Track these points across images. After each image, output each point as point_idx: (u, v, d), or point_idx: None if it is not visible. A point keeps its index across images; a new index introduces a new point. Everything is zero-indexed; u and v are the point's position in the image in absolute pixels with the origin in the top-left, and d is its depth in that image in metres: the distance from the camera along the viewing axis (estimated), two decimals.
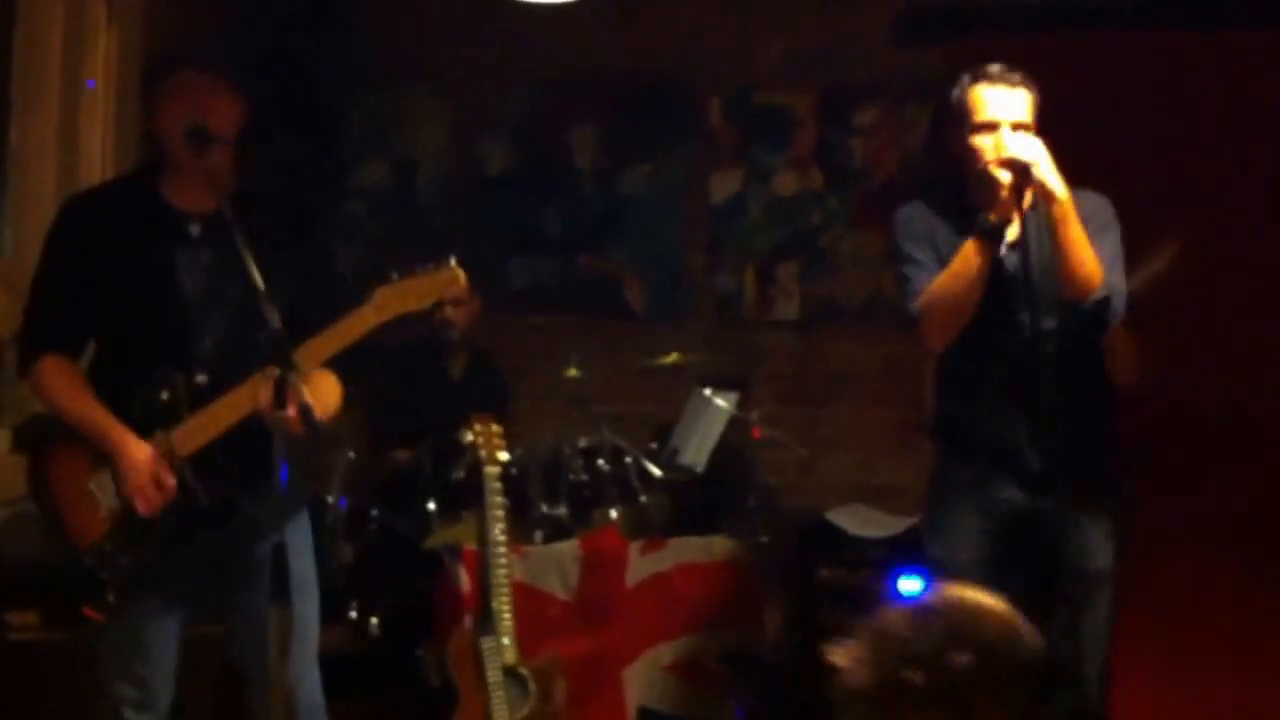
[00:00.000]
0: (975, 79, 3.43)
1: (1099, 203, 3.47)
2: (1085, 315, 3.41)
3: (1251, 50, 5.50)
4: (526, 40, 6.00)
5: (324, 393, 3.08)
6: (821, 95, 6.08)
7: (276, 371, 2.87)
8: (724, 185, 6.15)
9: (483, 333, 5.47)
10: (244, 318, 2.98)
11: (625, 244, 6.17)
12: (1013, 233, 3.38)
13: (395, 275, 3.05)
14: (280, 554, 2.86)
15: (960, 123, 3.42)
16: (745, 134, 6.13)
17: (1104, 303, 3.39)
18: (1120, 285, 3.45)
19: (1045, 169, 3.28)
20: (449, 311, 5.12)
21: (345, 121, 6.23)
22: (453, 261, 3.09)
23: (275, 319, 2.84)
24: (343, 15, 6.08)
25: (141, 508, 3.00)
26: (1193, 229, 5.25)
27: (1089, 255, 3.33)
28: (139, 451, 2.99)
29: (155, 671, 3.13)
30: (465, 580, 4.33)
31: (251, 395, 2.95)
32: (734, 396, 4.92)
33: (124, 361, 3.08)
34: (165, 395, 3.03)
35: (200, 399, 3.03)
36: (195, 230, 3.12)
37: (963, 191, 3.47)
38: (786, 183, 6.11)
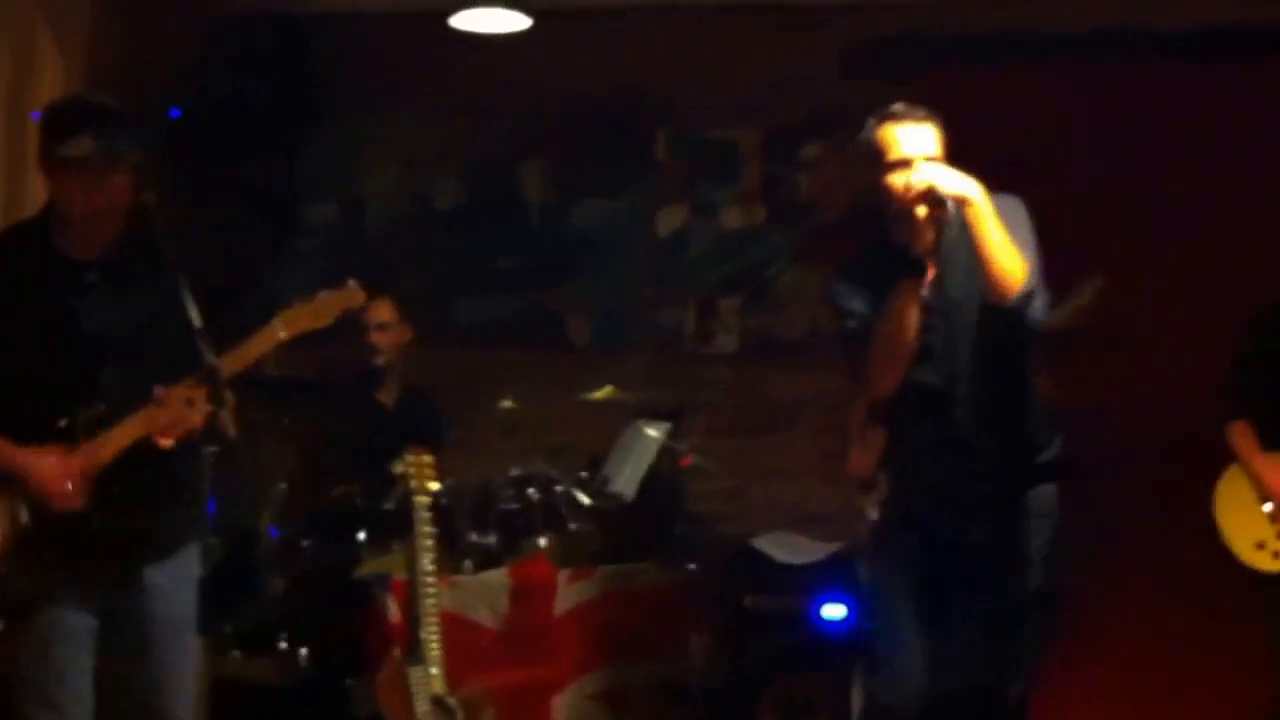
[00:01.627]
0: (882, 119, 3.49)
1: (1013, 204, 3.51)
2: (1006, 332, 3.44)
3: (1189, 82, 5.59)
4: (475, 75, 6.06)
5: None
6: (768, 130, 6.13)
7: (180, 393, 2.94)
8: (670, 220, 6.19)
9: (428, 365, 5.51)
10: (142, 355, 3.07)
11: (574, 278, 6.22)
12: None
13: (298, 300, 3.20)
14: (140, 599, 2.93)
15: (874, 164, 3.48)
16: (692, 169, 6.18)
17: (1028, 298, 3.42)
18: (1036, 284, 3.49)
19: (951, 182, 3.33)
20: (373, 336, 5.16)
21: (294, 157, 6.29)
22: (351, 282, 3.22)
23: (210, 354, 2.94)
24: (291, 50, 6.15)
25: (63, 505, 3.03)
26: (1131, 255, 5.36)
27: (1011, 252, 3.37)
28: (45, 458, 3.04)
29: (72, 699, 3.16)
30: (394, 611, 4.36)
31: (148, 419, 3.01)
32: (666, 426, 4.95)
33: (23, 402, 3.12)
34: (63, 423, 3.08)
35: (97, 427, 3.08)
36: (88, 275, 3.16)
37: (887, 234, 3.53)
38: (732, 218, 6.16)
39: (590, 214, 6.23)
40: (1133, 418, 5.43)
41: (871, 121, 3.50)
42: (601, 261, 6.20)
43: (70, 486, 3.04)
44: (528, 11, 5.01)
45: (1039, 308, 3.47)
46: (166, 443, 3.03)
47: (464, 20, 5.08)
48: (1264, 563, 4.45)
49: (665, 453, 4.89)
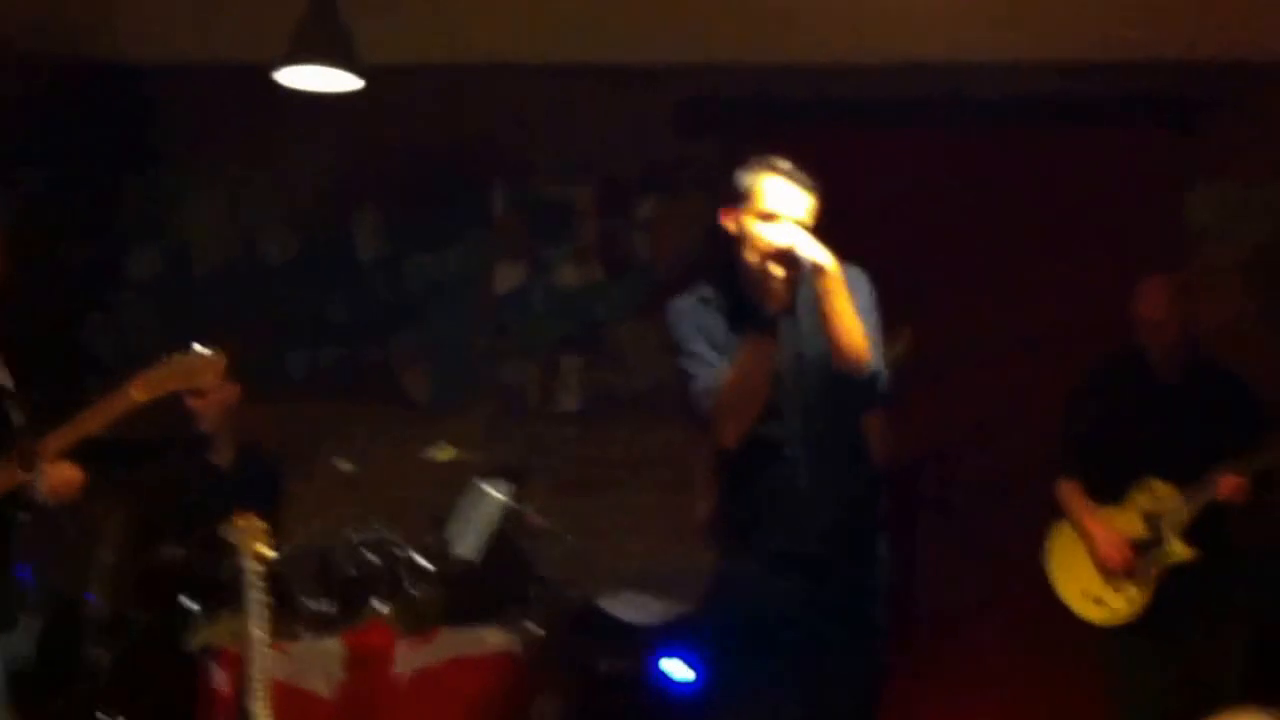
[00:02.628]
0: (766, 168, 3.49)
1: (857, 274, 3.53)
2: (851, 396, 3.47)
3: (1016, 148, 5.77)
4: (305, 126, 5.95)
5: (59, 483, 3.00)
6: (606, 186, 6.14)
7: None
8: (508, 276, 6.15)
9: (257, 422, 5.35)
10: None
11: (409, 333, 6.12)
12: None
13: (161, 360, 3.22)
14: None
15: (739, 205, 3.48)
16: (528, 225, 6.15)
17: (876, 375, 3.46)
18: (881, 362, 3.53)
19: (808, 248, 3.35)
20: (192, 402, 4.99)
21: (116, 207, 6.09)
22: (208, 350, 3.13)
23: (20, 416, 2.81)
24: (117, 98, 5.97)
25: None
26: (953, 314, 5.49)
27: (857, 326, 3.40)
28: None
29: None
30: (224, 681, 4.21)
31: None
32: (509, 487, 4.89)
33: None
34: None
35: None
36: None
37: (734, 281, 3.52)
38: (569, 274, 6.14)
39: (426, 269, 6.15)
40: (967, 468, 5.56)
41: (754, 163, 3.50)
42: (439, 317, 6.12)
43: None
44: (357, 71, 4.92)
45: (883, 384, 3.51)
46: None
47: (289, 78, 4.95)
48: (1094, 614, 4.57)
49: (509, 513, 4.82)
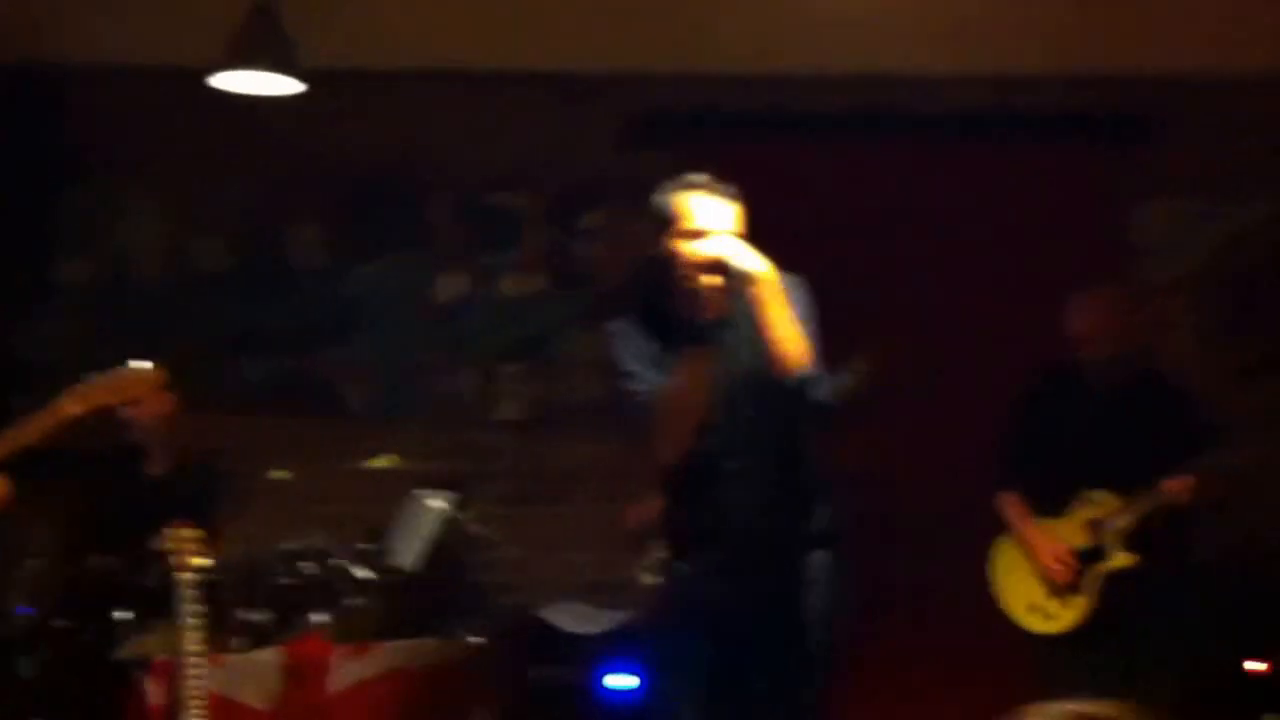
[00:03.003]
0: (685, 187, 3.47)
1: (796, 283, 3.53)
2: (791, 405, 3.45)
3: (959, 162, 5.79)
4: (243, 133, 5.88)
5: None
6: (550, 197, 6.11)
7: None
8: (451, 286, 6.10)
9: (194, 433, 5.26)
10: None
11: (348, 344, 6.06)
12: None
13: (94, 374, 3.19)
14: None
15: (667, 228, 3.45)
16: (473, 234, 6.11)
17: (812, 380, 3.43)
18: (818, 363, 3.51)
19: (741, 257, 3.33)
20: (128, 412, 4.90)
21: (50, 214, 5.98)
22: (144, 364, 3.19)
23: None
24: (45, 104, 5.87)
25: None
26: (895, 328, 5.49)
27: (795, 331, 3.38)
28: None
29: None
30: (156, 694, 4.14)
31: None
32: (449, 497, 4.84)
33: None
34: None
35: None
36: None
37: (669, 299, 3.49)
38: (512, 284, 6.10)
39: (366, 278, 6.09)
40: (905, 484, 5.55)
41: (671, 185, 3.48)
42: (379, 327, 6.06)
43: None
44: (298, 75, 4.87)
45: (822, 389, 3.49)
46: None
47: (227, 82, 4.89)
48: (1037, 624, 4.58)
49: (448, 523, 4.77)
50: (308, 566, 4.55)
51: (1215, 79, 5.67)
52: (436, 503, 4.82)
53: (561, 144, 6.06)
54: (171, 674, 3.93)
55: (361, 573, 4.57)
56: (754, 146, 5.81)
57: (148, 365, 3.16)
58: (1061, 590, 4.52)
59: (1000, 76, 5.76)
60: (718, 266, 3.31)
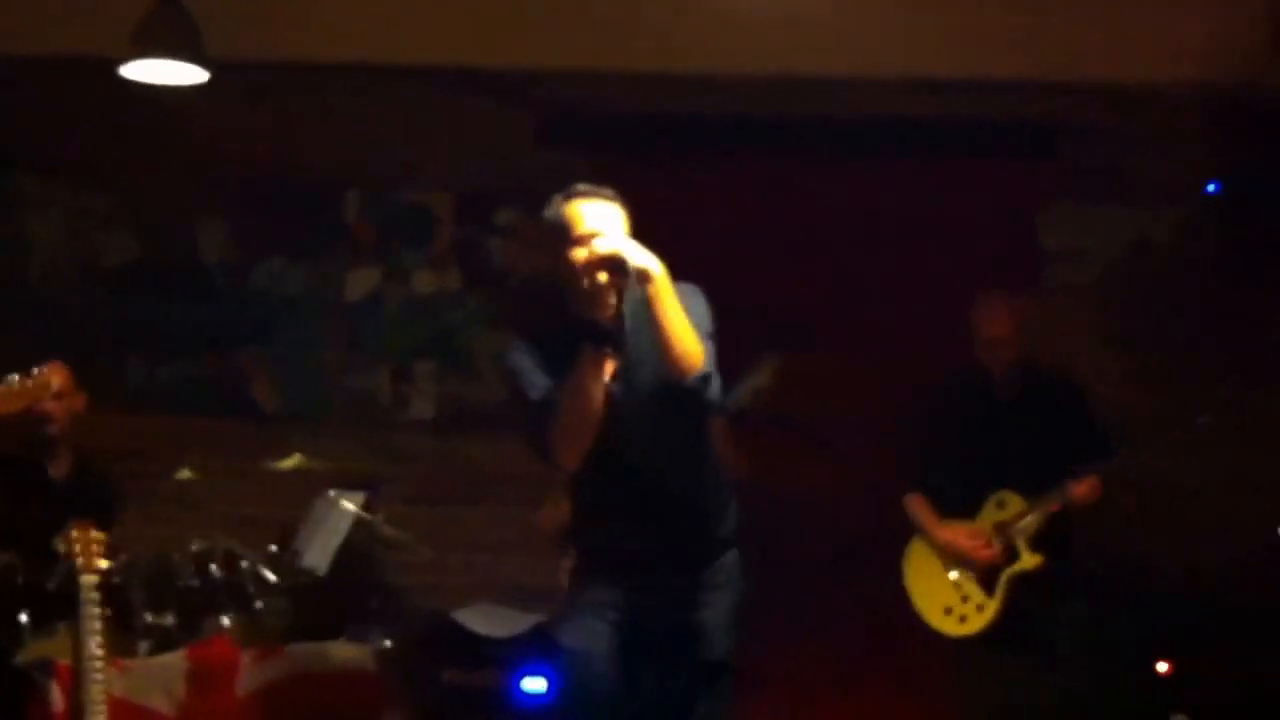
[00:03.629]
0: (568, 197, 3.48)
1: (692, 290, 3.51)
2: (686, 405, 3.45)
3: (870, 174, 5.82)
4: (152, 128, 5.76)
5: None
6: (463, 195, 6.07)
7: None
8: (361, 283, 6.04)
9: (96, 432, 5.15)
10: None
11: (257, 342, 5.97)
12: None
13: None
14: None
15: (559, 241, 3.45)
16: (384, 232, 6.05)
17: (706, 379, 3.44)
18: (712, 368, 3.50)
19: (635, 255, 3.33)
20: (48, 405, 4.79)
21: None
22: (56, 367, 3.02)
23: None
24: None
25: None
26: (807, 333, 5.53)
27: (689, 331, 3.39)
28: None
29: None
30: (58, 699, 4.04)
31: None
32: (360, 497, 4.78)
33: None
34: None
35: None
36: None
37: (566, 307, 3.49)
38: (425, 282, 6.05)
39: (275, 275, 6.01)
40: (823, 487, 5.58)
41: (557, 199, 3.50)
42: (288, 325, 5.98)
43: None
44: (205, 65, 4.78)
45: (715, 390, 3.50)
46: None
47: (136, 71, 4.79)
48: (952, 627, 4.61)
49: (359, 524, 4.72)
50: (214, 568, 4.48)
51: (1121, 89, 5.75)
52: (348, 504, 4.76)
53: (476, 142, 6.01)
54: (73, 679, 3.84)
55: (271, 574, 4.50)
56: (666, 147, 5.81)
57: (45, 369, 3.02)
58: (975, 589, 4.55)
59: (910, 82, 5.79)
60: (612, 262, 3.31)
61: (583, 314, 3.39)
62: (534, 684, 4.44)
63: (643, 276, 3.33)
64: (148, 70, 4.80)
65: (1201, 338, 5.85)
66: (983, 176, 5.83)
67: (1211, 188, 5.80)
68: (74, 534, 3.95)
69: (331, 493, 4.80)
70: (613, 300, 3.33)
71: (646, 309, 3.36)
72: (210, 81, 4.88)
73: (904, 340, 5.58)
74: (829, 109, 5.85)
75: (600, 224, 3.40)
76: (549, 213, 3.48)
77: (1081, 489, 4.47)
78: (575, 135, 5.87)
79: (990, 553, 4.53)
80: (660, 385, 3.41)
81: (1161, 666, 5.12)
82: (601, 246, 3.34)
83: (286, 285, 6.02)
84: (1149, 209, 5.92)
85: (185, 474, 4.85)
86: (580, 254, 3.38)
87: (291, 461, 4.95)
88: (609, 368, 3.38)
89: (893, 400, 5.12)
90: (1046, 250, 5.91)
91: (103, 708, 3.78)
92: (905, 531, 4.72)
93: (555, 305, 3.51)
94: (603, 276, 3.31)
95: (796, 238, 5.77)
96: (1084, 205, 5.91)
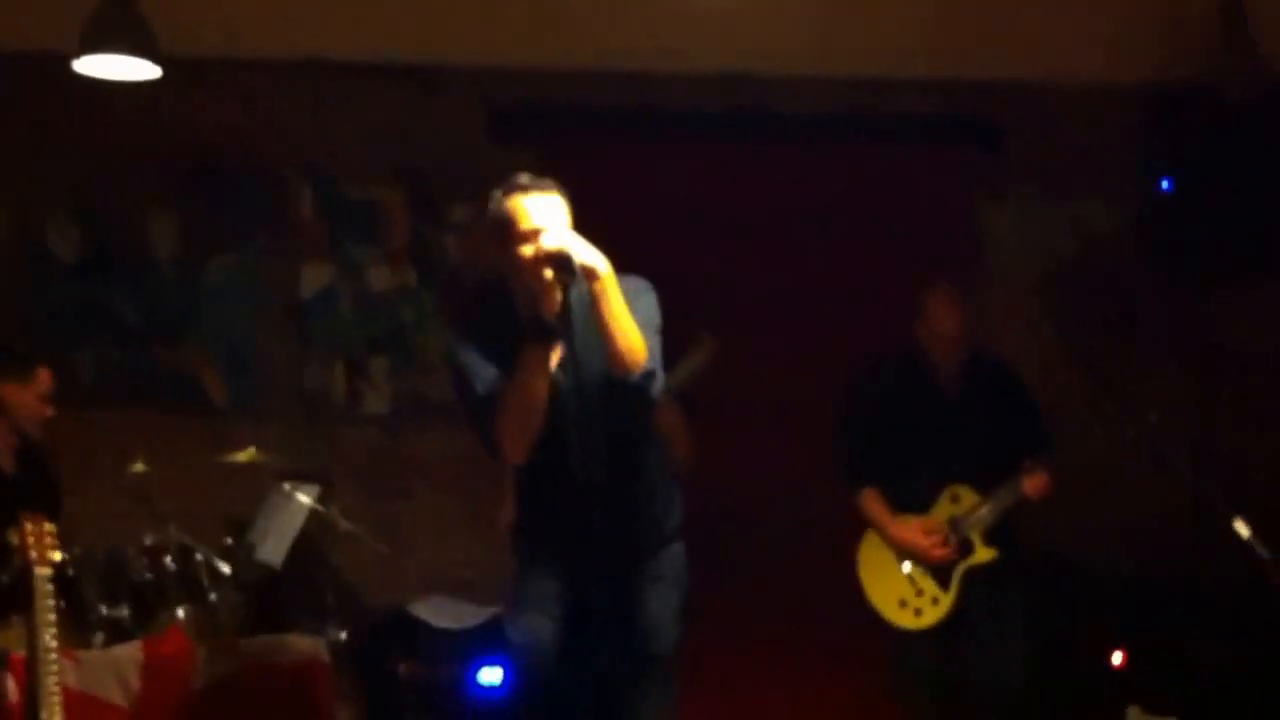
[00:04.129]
0: (510, 191, 3.48)
1: (640, 285, 3.56)
2: (632, 400, 3.47)
3: (809, 163, 5.88)
4: (99, 117, 5.73)
5: None
6: (414, 190, 6.05)
7: None
8: (314, 278, 6.01)
9: (47, 425, 5.11)
10: None
11: (207, 335, 5.94)
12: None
13: None
14: None
15: (504, 236, 3.46)
16: (336, 227, 6.03)
17: (650, 375, 3.46)
18: (657, 363, 3.53)
19: (582, 251, 3.35)
20: (35, 406, 4.78)
21: None
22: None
23: None
24: None
25: None
26: (753, 326, 5.57)
27: (633, 328, 3.41)
28: None
29: None
30: (13, 690, 4.00)
31: None
32: (314, 490, 4.78)
33: None
34: None
35: None
36: None
37: (511, 303, 3.50)
38: (379, 278, 6.04)
39: (226, 269, 5.97)
40: (768, 480, 5.62)
41: (499, 194, 3.50)
42: (239, 317, 5.95)
43: None
44: (157, 60, 4.76)
45: (660, 385, 3.53)
46: None
47: (88, 66, 4.76)
48: (907, 620, 4.63)
49: (314, 518, 4.71)
50: (168, 560, 4.47)
51: (1061, 86, 5.85)
52: (302, 497, 4.75)
53: (428, 137, 6.02)
54: (27, 671, 3.82)
55: (225, 567, 4.49)
56: (616, 142, 5.85)
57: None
58: (941, 569, 4.57)
59: (855, 79, 5.87)
60: (558, 259, 3.32)
61: (528, 308, 3.41)
62: (489, 676, 4.45)
63: (589, 274, 3.34)
64: (100, 65, 4.78)
65: (1151, 335, 5.92)
66: (925, 171, 5.89)
67: (1164, 184, 5.87)
68: (26, 526, 3.93)
69: (286, 486, 4.78)
70: (558, 295, 3.34)
71: (591, 304, 3.38)
72: (165, 77, 4.87)
73: (849, 331, 5.62)
74: (774, 104, 5.91)
75: (544, 219, 3.41)
76: (492, 207, 3.48)
77: (1033, 483, 4.53)
78: (524, 130, 5.88)
79: (944, 552, 4.57)
80: (606, 380, 3.44)
81: (1116, 658, 5.15)
82: (548, 243, 3.35)
83: (238, 279, 5.98)
84: (1086, 202, 5.98)
85: (138, 467, 4.81)
86: (526, 250, 3.39)
87: (246, 455, 4.94)
88: (553, 361, 3.40)
89: (829, 389, 5.15)
90: (986, 244, 5.96)
91: (57, 699, 3.75)
92: (840, 519, 4.71)
93: (503, 300, 3.54)
94: (548, 273, 3.33)
95: (743, 229, 5.81)
96: (1024, 200, 5.98)
